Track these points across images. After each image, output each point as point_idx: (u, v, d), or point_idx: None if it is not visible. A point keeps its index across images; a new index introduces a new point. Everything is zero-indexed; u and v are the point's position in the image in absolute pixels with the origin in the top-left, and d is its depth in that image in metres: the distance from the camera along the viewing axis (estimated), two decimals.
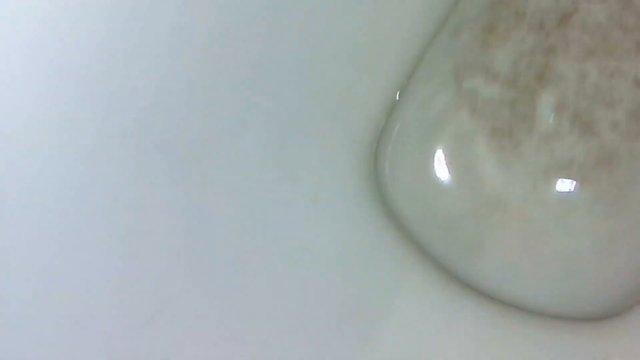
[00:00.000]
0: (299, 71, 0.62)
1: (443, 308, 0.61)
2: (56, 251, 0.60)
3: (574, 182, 0.58)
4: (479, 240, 0.60)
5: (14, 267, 0.60)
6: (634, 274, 0.57)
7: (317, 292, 0.61)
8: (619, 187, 0.56)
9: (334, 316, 0.61)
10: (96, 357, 0.60)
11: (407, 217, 0.62)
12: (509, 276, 0.60)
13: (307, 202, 0.61)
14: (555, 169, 0.58)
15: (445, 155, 0.62)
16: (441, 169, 0.62)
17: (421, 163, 0.63)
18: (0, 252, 0.60)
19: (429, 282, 0.61)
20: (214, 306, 0.60)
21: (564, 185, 0.58)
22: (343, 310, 0.61)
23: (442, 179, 0.62)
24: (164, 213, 0.60)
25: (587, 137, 0.57)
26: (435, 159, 0.62)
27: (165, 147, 0.60)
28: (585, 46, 0.58)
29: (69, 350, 0.60)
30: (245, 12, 0.62)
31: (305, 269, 0.60)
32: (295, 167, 0.60)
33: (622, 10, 0.57)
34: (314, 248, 0.60)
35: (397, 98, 0.65)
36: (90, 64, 0.60)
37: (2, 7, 0.60)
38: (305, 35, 0.62)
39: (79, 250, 0.60)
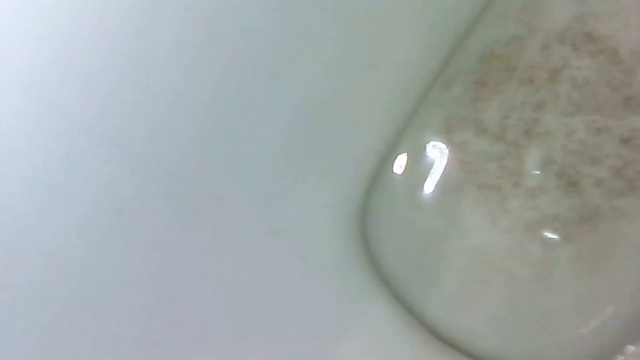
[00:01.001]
0: (289, 127, 0.63)
1: None
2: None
3: (557, 239, 0.57)
4: (463, 296, 0.61)
5: None
6: (613, 334, 0.57)
7: (302, 351, 0.61)
8: (601, 245, 0.56)
9: None
10: None
11: (393, 273, 0.64)
12: (492, 333, 0.61)
13: (294, 259, 0.61)
14: (540, 224, 0.58)
15: (432, 208, 0.62)
16: (428, 221, 0.63)
17: (409, 216, 0.63)
18: None
19: (413, 341, 0.62)
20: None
21: (547, 241, 0.58)
22: None
23: (429, 232, 0.62)
24: (154, 250, 0.61)
25: (572, 193, 0.57)
26: (423, 211, 0.62)
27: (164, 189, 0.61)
28: (573, 102, 0.58)
29: None
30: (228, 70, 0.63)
31: (290, 327, 0.62)
32: (284, 224, 0.62)
33: (611, 67, 0.57)
34: (300, 306, 0.61)
35: (387, 151, 0.65)
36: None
37: None
38: (294, 88, 0.63)
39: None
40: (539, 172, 0.60)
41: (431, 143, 0.65)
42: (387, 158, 0.67)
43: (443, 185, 0.64)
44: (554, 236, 0.59)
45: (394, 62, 0.66)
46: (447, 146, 0.64)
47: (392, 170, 0.66)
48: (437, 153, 0.65)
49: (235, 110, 0.63)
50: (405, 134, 0.66)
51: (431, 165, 0.64)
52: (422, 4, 0.64)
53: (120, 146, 0.61)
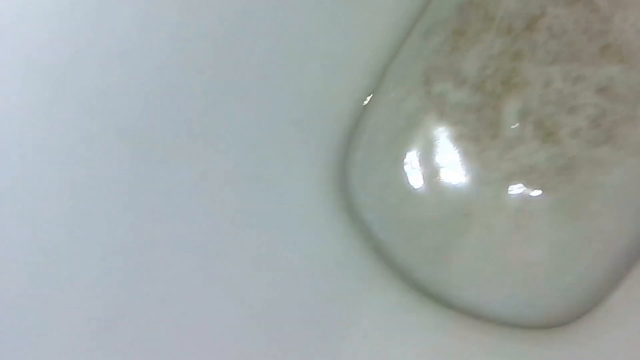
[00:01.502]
0: (267, 75, 0.63)
1: (402, 316, 0.61)
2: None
3: (535, 190, 0.57)
4: (441, 247, 0.61)
5: None
6: (589, 283, 0.58)
7: (281, 296, 0.63)
8: (577, 196, 0.56)
9: (298, 321, 0.63)
10: None
11: (373, 224, 0.64)
12: (469, 284, 0.61)
13: (273, 206, 0.61)
14: (517, 176, 0.59)
15: (413, 161, 0.63)
16: (409, 174, 0.64)
17: (389, 168, 0.64)
18: None
19: (390, 290, 0.63)
20: (176, 309, 0.60)
21: (525, 192, 0.58)
22: (306, 316, 0.63)
23: (409, 185, 0.63)
24: (128, 213, 0.61)
25: (549, 144, 0.57)
26: (403, 164, 0.64)
27: (132, 143, 0.61)
28: (551, 51, 0.58)
29: None
30: (213, 14, 0.62)
31: (269, 273, 0.62)
32: (262, 172, 0.61)
33: (588, 15, 0.57)
34: (279, 253, 0.61)
35: (367, 101, 0.64)
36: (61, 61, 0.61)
37: None
38: (273, 37, 0.64)
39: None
40: (517, 123, 0.59)
41: (411, 94, 0.64)
42: (367, 109, 0.66)
43: (421, 138, 0.63)
44: (531, 187, 0.59)
45: (370, 9, 0.64)
46: (427, 97, 0.63)
47: (372, 122, 0.66)
48: (417, 104, 0.63)
49: (211, 50, 0.62)
50: (384, 85, 0.66)
51: (410, 116, 0.64)
52: None
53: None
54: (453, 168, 0.63)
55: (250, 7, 0.63)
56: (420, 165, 0.64)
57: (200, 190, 0.63)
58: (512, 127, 0.60)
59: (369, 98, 0.67)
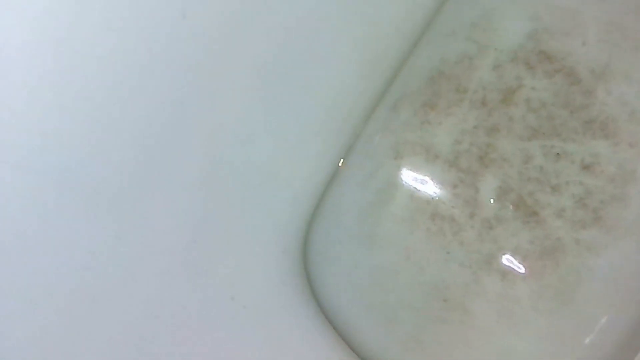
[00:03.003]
0: (222, 147, 0.56)
1: None
2: None
3: (518, 274, 0.51)
4: (417, 335, 0.55)
5: None
6: None
7: None
8: (564, 281, 0.51)
9: None
10: None
11: (340, 310, 0.58)
12: None
13: (225, 292, 0.55)
14: (498, 258, 0.53)
15: (382, 241, 0.56)
16: (378, 254, 0.57)
17: (357, 247, 0.58)
18: None
19: None
20: None
21: (507, 277, 0.52)
22: None
23: (380, 265, 0.57)
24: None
25: (531, 224, 0.52)
26: (372, 244, 0.56)
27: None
28: (529, 125, 0.53)
29: None
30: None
31: None
32: (210, 260, 0.54)
33: (569, 87, 0.52)
34: (232, 352, 0.54)
35: (332, 176, 0.59)
36: None
37: None
38: (229, 110, 0.56)
39: None
40: (495, 201, 0.54)
41: (379, 170, 0.58)
42: (330, 186, 0.60)
43: (393, 216, 0.57)
44: (514, 271, 0.53)
45: (333, 85, 0.59)
46: (397, 173, 0.58)
47: (336, 201, 0.60)
48: (387, 179, 0.58)
49: (160, 137, 0.55)
50: (350, 161, 0.60)
51: (380, 192, 0.58)
52: (361, 20, 0.57)
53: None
54: (428, 248, 0.57)
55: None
56: (391, 245, 0.58)
57: (139, 289, 0.56)
58: (491, 205, 0.55)
59: (331, 175, 0.61)
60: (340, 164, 0.60)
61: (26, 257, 0.52)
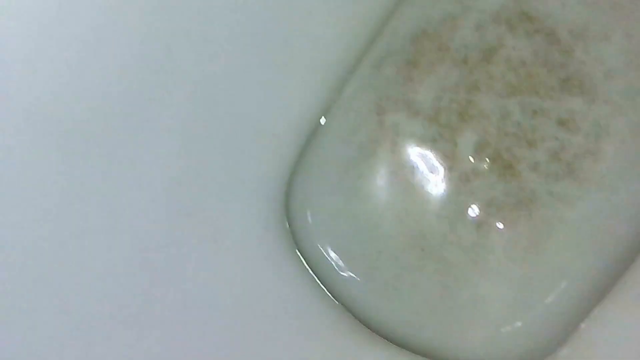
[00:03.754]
0: (207, 96, 0.57)
1: (354, 357, 0.56)
2: None
3: (492, 224, 0.53)
4: (395, 283, 0.56)
5: None
6: (553, 323, 0.53)
7: (217, 339, 0.56)
8: (537, 231, 0.53)
9: None
10: None
11: (321, 260, 0.59)
12: (424, 322, 0.55)
13: (207, 244, 0.56)
14: (474, 209, 0.54)
15: (365, 192, 0.58)
16: (360, 205, 0.58)
17: (339, 199, 0.59)
18: None
19: (341, 329, 0.58)
20: (97, 350, 0.54)
21: (482, 226, 0.53)
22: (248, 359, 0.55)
23: (361, 218, 0.58)
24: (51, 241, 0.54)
25: (507, 177, 0.53)
26: (355, 195, 0.58)
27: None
28: (508, 83, 0.54)
29: None
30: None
31: (203, 316, 0.56)
32: (192, 203, 0.55)
33: (548, 47, 0.53)
34: (213, 294, 0.55)
35: (315, 132, 0.60)
36: None
37: None
38: (215, 60, 0.57)
39: None
40: (473, 156, 0.56)
41: (362, 126, 0.60)
42: (314, 139, 0.61)
43: (374, 170, 0.59)
44: (489, 221, 0.55)
45: (315, 40, 0.60)
46: (379, 128, 0.59)
47: (320, 152, 0.61)
48: (369, 135, 0.59)
49: (138, 85, 0.56)
50: (333, 115, 0.61)
51: (362, 147, 0.59)
52: None
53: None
54: (407, 201, 0.58)
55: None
56: (372, 196, 0.59)
57: (124, 224, 0.56)
58: (469, 159, 0.56)
59: (316, 128, 0.62)
60: (322, 120, 0.61)
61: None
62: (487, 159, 0.55)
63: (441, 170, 0.57)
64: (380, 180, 0.59)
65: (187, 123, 0.57)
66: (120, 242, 0.56)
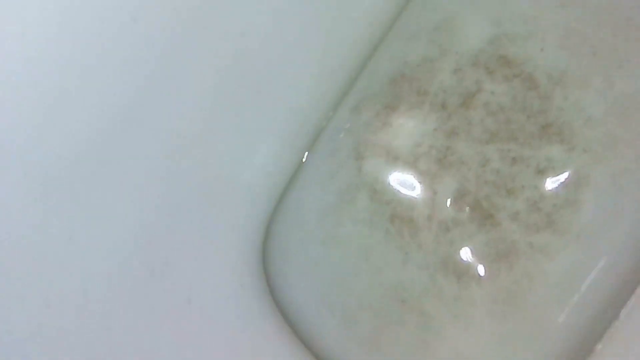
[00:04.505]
0: (179, 146, 0.56)
1: None
2: None
3: (473, 276, 0.52)
4: (375, 336, 0.56)
5: None
6: None
7: None
8: (519, 284, 0.52)
9: None
10: None
11: (299, 311, 0.58)
12: None
13: (179, 305, 0.55)
14: (454, 261, 0.54)
15: (343, 240, 0.57)
16: (338, 254, 0.58)
17: (317, 247, 0.59)
18: None
19: None
20: None
21: (462, 279, 0.53)
22: None
23: (339, 266, 0.58)
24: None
25: (487, 227, 0.53)
26: (331, 244, 0.57)
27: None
28: (487, 129, 0.54)
29: None
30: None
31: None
32: (164, 262, 0.55)
33: (527, 92, 0.53)
34: (189, 357, 0.54)
35: (293, 176, 0.59)
36: None
37: None
38: (189, 110, 0.56)
39: None
40: (452, 204, 0.55)
41: (340, 171, 0.59)
42: (291, 186, 0.61)
43: (353, 217, 0.58)
44: (470, 273, 0.54)
45: (292, 85, 0.59)
46: (358, 173, 0.58)
47: (297, 201, 0.61)
48: (348, 180, 0.59)
49: (116, 129, 0.56)
50: (310, 160, 0.61)
51: (341, 193, 0.59)
52: (323, 23, 0.58)
53: None
54: (387, 250, 0.58)
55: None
56: (351, 246, 0.59)
57: (91, 289, 0.56)
58: (448, 208, 0.56)
59: (291, 174, 0.62)
60: (301, 163, 0.61)
61: None
62: (466, 208, 0.55)
63: (421, 218, 0.56)
64: (359, 229, 0.58)
65: (159, 174, 0.56)
66: (85, 302, 0.55)
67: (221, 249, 0.57)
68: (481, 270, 0.55)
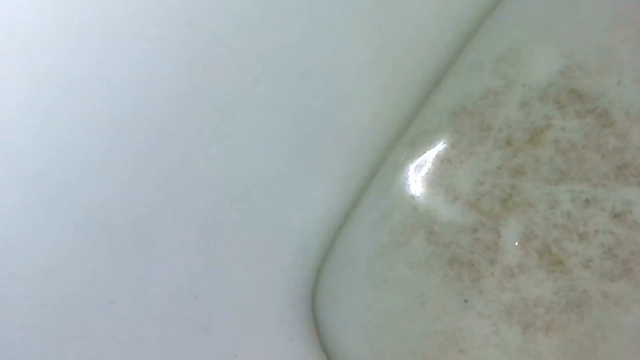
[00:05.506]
0: (226, 195, 0.55)
1: None
2: None
3: (540, 328, 0.49)
4: None
5: None
6: None
7: None
8: (590, 337, 0.49)
9: None
10: None
11: None
12: None
13: (224, 358, 0.53)
14: (519, 309, 0.51)
15: (396, 286, 0.54)
16: (391, 300, 0.55)
17: (369, 292, 0.57)
18: None
19: None
20: None
21: (528, 330, 0.50)
22: None
23: (393, 312, 0.56)
24: None
25: (556, 273, 0.50)
26: (385, 290, 0.55)
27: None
28: (557, 168, 0.51)
29: None
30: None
31: None
32: (210, 315, 0.52)
33: (601, 129, 0.50)
34: None
35: (344, 215, 0.57)
36: None
37: None
38: (235, 160, 0.54)
39: None
40: (518, 248, 0.52)
41: (394, 210, 0.56)
42: (342, 228, 0.58)
43: (407, 259, 0.55)
44: (536, 323, 0.51)
45: (346, 124, 0.58)
46: (414, 214, 0.55)
47: (348, 243, 0.58)
48: (402, 220, 0.56)
49: (152, 188, 0.53)
50: (363, 200, 0.58)
51: (395, 233, 0.56)
52: (380, 50, 0.55)
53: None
54: (444, 296, 0.55)
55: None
56: (405, 292, 0.57)
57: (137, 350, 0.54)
58: (513, 252, 0.53)
59: (341, 217, 0.59)
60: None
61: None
62: (534, 252, 0.51)
63: (482, 263, 0.53)
64: (415, 272, 0.56)
65: (202, 227, 0.54)
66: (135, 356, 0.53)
67: (269, 299, 0.55)
68: (549, 320, 0.52)
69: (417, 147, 0.58)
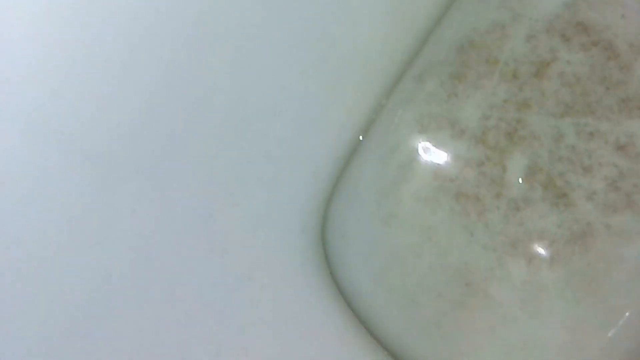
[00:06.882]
0: (239, 121, 0.57)
1: None
2: None
3: (544, 259, 0.52)
4: (437, 321, 0.56)
5: None
6: None
7: None
8: (593, 268, 0.51)
9: None
10: None
11: (359, 294, 0.59)
12: None
13: (241, 280, 0.56)
14: (524, 242, 0.54)
15: (403, 220, 0.57)
16: (399, 234, 0.58)
17: (377, 226, 0.59)
18: None
19: None
20: None
21: (533, 262, 0.52)
22: None
23: (399, 247, 0.57)
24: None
25: (560, 206, 0.52)
26: (392, 224, 0.57)
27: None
28: (562, 102, 0.53)
29: None
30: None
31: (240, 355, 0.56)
32: (226, 238, 0.55)
33: (606, 62, 0.52)
34: (248, 334, 0.55)
35: (353, 151, 0.59)
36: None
37: None
38: (248, 84, 0.56)
39: None
40: (523, 181, 0.54)
41: (402, 145, 0.58)
42: (350, 162, 0.61)
43: (415, 194, 0.58)
44: (541, 256, 0.54)
45: (355, 52, 0.60)
46: (420, 149, 0.58)
47: (356, 177, 0.60)
48: (410, 155, 0.58)
49: (173, 108, 0.56)
50: (371, 134, 0.61)
51: (403, 168, 0.58)
52: None
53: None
54: (451, 229, 0.57)
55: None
56: (412, 226, 0.59)
57: (152, 267, 0.57)
58: (518, 185, 0.55)
59: (351, 150, 0.62)
60: (360, 138, 0.60)
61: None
62: (538, 186, 0.54)
63: (488, 197, 0.55)
64: (422, 207, 0.58)
65: (218, 149, 0.57)
66: (148, 277, 0.56)
67: (282, 225, 0.58)
68: (553, 252, 0.54)
69: (423, 81, 0.60)
